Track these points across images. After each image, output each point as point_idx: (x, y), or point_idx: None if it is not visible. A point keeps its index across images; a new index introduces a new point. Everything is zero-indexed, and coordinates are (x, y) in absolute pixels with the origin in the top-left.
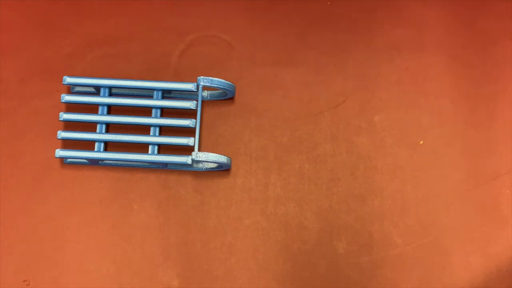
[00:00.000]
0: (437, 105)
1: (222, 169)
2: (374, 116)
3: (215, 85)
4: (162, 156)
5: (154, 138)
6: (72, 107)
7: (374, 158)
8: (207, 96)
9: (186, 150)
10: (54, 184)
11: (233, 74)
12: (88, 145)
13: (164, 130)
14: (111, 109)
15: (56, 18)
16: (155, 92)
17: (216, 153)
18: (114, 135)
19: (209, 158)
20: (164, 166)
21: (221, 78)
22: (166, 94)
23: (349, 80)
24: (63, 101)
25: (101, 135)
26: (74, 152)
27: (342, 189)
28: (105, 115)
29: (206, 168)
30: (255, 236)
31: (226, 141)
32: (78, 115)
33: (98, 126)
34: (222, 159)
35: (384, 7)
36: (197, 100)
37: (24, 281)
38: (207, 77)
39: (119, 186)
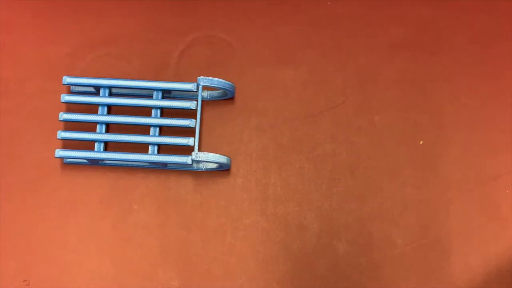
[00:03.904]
0: (437, 105)
1: (222, 169)
2: (374, 116)
3: (215, 85)
4: (162, 156)
5: (154, 138)
6: (72, 107)
7: (374, 158)
8: (207, 96)
9: (186, 150)
10: (54, 184)
11: (233, 74)
12: (88, 145)
13: (164, 130)
14: (111, 109)
15: (56, 18)
16: (155, 92)
17: (216, 153)
18: (114, 135)
19: (209, 158)
20: (164, 166)
21: (221, 78)
22: (166, 94)
23: (349, 80)
24: (63, 101)
25: (101, 135)
26: (74, 152)
27: (342, 189)
28: (105, 115)
29: (206, 168)
30: (255, 236)
31: (226, 141)
32: (78, 115)
33: (98, 126)
34: (222, 159)
35: (384, 7)
36: (197, 100)
37: (24, 281)
38: (207, 77)
39: (119, 186)
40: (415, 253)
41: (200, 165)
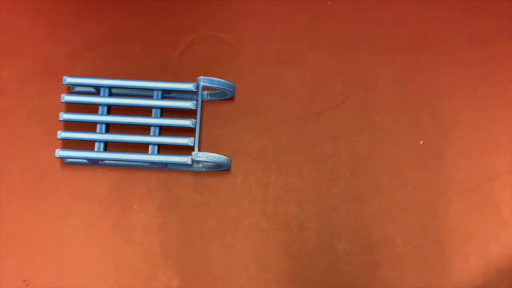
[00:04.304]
0: (437, 105)
1: (222, 169)
2: (374, 116)
3: (215, 85)
4: (162, 156)
5: (154, 138)
6: (72, 107)
7: (374, 158)
8: (207, 96)
9: (186, 150)
10: (54, 184)
11: (233, 74)
12: (88, 145)
13: (164, 130)
14: (111, 109)
15: (56, 18)
16: (155, 92)
17: (216, 153)
18: (114, 135)
19: (209, 158)
20: (164, 166)
21: (221, 78)
22: (166, 94)
23: (349, 80)
24: (63, 101)
25: (101, 135)
26: (74, 152)
27: (342, 189)
28: (105, 115)
29: (206, 168)
30: (255, 236)
31: (226, 141)
32: (78, 115)
33: (98, 126)
34: (222, 159)
35: (384, 7)
36: (197, 100)
37: (24, 281)
38: (207, 77)
39: (119, 186)
40: (415, 253)
41: (200, 165)
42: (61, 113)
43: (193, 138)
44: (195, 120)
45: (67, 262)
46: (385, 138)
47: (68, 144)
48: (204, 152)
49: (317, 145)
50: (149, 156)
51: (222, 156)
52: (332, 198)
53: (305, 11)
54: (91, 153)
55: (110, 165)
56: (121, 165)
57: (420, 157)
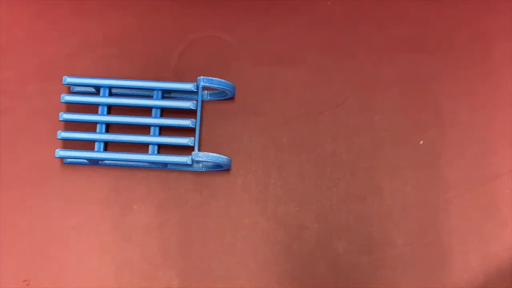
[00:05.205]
0: (437, 105)
1: (222, 169)
2: (374, 116)
3: (215, 85)
4: (162, 156)
5: (154, 138)
6: (72, 107)
7: (374, 158)
8: (207, 96)
9: (186, 150)
10: (54, 184)
11: (233, 74)
12: (88, 145)
13: (164, 130)
14: (111, 109)
15: (56, 18)
16: (155, 92)
17: (216, 153)
18: (114, 135)
19: (209, 158)
20: (164, 166)
21: (221, 78)
22: (166, 94)
23: (349, 80)
24: (63, 101)
25: (101, 135)
26: (74, 152)
27: (342, 189)
28: (105, 115)
29: (206, 168)
30: (255, 236)
31: (226, 141)
32: (78, 115)
33: (98, 126)
34: (222, 159)
35: (384, 7)
36: (197, 100)
37: (24, 281)
38: (207, 77)
39: (119, 186)
40: (415, 253)
41: (200, 165)
42: (61, 113)
43: (193, 138)
44: (195, 120)
45: (67, 262)
46: (385, 138)
47: (68, 144)
48: (204, 152)
49: (317, 145)
50: (149, 156)
51: (222, 156)
52: (332, 198)
53: (305, 11)
54: (91, 153)
55: (110, 165)
56: (121, 165)
57: (420, 157)
